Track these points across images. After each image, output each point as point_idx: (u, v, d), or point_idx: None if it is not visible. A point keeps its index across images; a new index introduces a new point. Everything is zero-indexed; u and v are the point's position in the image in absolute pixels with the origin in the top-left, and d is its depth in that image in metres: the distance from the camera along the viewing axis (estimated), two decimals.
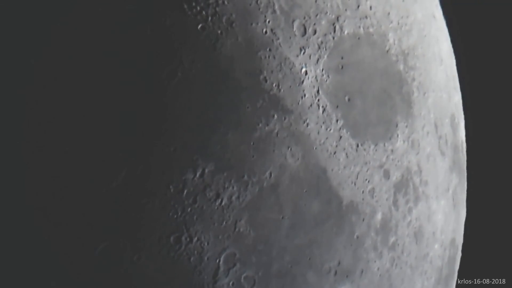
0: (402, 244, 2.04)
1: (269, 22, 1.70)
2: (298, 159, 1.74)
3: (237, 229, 1.66)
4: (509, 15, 3.67)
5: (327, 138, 1.80)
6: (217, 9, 1.64)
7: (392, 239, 2.01)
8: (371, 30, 1.94)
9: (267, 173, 1.69)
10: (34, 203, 1.53)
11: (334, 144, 1.82)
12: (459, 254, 2.53)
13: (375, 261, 1.96)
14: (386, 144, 1.96)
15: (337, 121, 1.83)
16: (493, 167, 3.82)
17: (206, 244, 1.63)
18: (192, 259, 1.63)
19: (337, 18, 1.84)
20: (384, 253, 1.98)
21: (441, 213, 2.23)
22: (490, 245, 3.81)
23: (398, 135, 2.00)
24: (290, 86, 1.73)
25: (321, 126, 1.79)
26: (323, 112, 1.79)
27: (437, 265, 2.24)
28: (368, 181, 1.92)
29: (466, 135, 2.56)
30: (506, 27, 3.70)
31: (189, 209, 1.60)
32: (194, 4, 1.62)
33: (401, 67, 2.05)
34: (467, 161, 2.57)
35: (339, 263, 1.87)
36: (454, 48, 2.55)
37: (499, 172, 3.86)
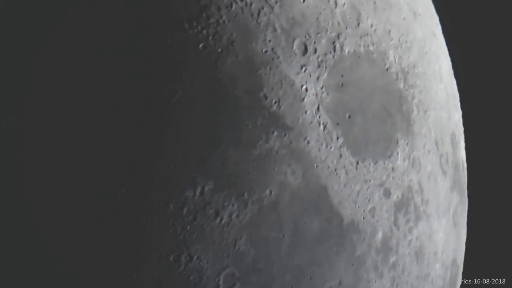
0: (402, 264, 2.02)
1: (269, 41, 1.71)
2: (298, 177, 1.73)
3: (237, 248, 1.65)
4: (509, 34, 3.70)
5: (327, 155, 1.80)
6: (217, 28, 1.65)
7: (392, 259, 1.99)
8: (371, 48, 1.95)
9: (267, 191, 1.68)
10: (31, 221, 1.52)
11: (335, 161, 1.82)
12: (460, 274, 2.51)
13: (375, 281, 1.94)
14: (386, 162, 1.96)
15: (337, 138, 1.82)
16: (492, 186, 3.82)
17: (205, 263, 1.62)
18: (191, 278, 1.61)
19: (338, 36, 1.85)
20: (384, 273, 1.97)
21: (442, 233, 2.21)
22: (490, 245, 3.79)
23: (398, 153, 2.00)
24: (291, 104, 1.73)
25: (322, 144, 1.79)
26: (323, 129, 1.79)
27: (438, 285, 2.22)
28: (369, 200, 1.91)
29: (466, 154, 2.56)
30: (506, 46, 3.73)
31: (188, 227, 1.59)
32: (195, 23, 1.63)
33: (401, 85, 2.05)
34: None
35: (340, 282, 1.85)
36: (453, 66, 2.56)
37: (499, 191, 3.86)
